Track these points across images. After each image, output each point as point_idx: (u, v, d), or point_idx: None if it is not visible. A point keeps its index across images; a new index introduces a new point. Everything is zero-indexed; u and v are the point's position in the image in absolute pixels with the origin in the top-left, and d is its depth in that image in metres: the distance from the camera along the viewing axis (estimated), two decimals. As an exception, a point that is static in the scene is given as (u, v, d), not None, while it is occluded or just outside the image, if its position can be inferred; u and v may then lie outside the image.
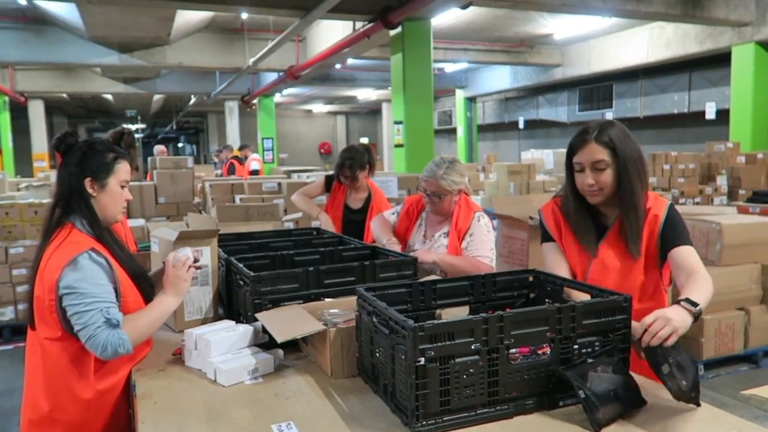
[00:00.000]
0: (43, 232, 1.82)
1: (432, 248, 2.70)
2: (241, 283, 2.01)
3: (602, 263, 1.89)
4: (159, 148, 9.00)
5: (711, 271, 4.26)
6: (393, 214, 2.94)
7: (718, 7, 9.23)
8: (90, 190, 1.81)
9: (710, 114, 11.49)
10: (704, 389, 3.89)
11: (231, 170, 11.10)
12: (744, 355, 4.32)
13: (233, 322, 1.92)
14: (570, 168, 1.90)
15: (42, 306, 1.71)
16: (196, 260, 1.93)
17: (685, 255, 1.78)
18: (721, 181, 9.01)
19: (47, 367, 1.73)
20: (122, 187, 1.88)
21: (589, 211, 1.92)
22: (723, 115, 11.11)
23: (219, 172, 11.95)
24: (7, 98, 15.11)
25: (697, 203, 8.65)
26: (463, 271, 2.47)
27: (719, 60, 11.38)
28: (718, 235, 4.19)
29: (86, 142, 1.88)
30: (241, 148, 12.40)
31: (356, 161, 3.77)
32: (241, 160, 11.55)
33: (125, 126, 3.53)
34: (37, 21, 10.85)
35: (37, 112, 16.51)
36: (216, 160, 13.50)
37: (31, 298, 1.76)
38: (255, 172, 11.16)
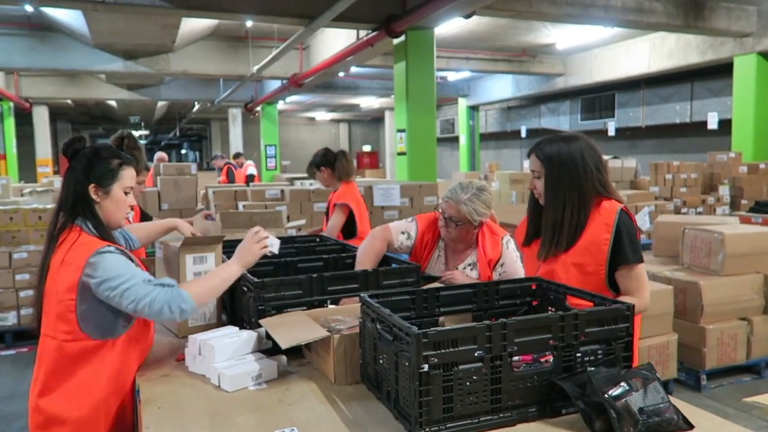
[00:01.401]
0: (48, 236, 1.82)
1: None
2: (245, 289, 2.02)
3: (532, 258, 2.12)
4: (159, 155, 9.03)
5: (713, 280, 4.28)
6: (403, 233, 2.52)
7: (719, 18, 9.28)
8: (94, 196, 1.82)
9: (712, 124, 11.51)
10: (707, 399, 3.91)
11: (231, 177, 11.17)
12: (746, 365, 4.31)
13: (237, 328, 1.93)
14: None
15: (58, 307, 1.71)
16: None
17: (622, 277, 1.95)
18: (723, 191, 9.01)
19: (57, 368, 1.73)
20: (126, 193, 1.89)
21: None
22: (725, 125, 11.13)
23: (221, 178, 12.02)
24: (12, 104, 15.18)
25: (700, 213, 8.65)
26: None
27: (721, 70, 11.42)
28: (720, 245, 4.20)
29: (92, 148, 1.89)
30: (235, 156, 12.48)
31: (312, 162, 4.33)
32: (235, 167, 11.71)
33: (124, 130, 3.53)
34: (43, 28, 10.93)
35: (41, 118, 16.59)
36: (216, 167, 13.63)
37: (41, 302, 1.76)
38: (251, 177, 11.26)
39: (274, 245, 1.95)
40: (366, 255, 2.37)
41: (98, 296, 1.70)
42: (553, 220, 1.99)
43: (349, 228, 4.30)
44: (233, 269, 1.86)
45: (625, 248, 1.92)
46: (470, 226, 2.39)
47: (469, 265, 2.48)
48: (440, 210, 2.44)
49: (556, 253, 1.99)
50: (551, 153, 1.98)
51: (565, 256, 1.97)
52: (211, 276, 1.86)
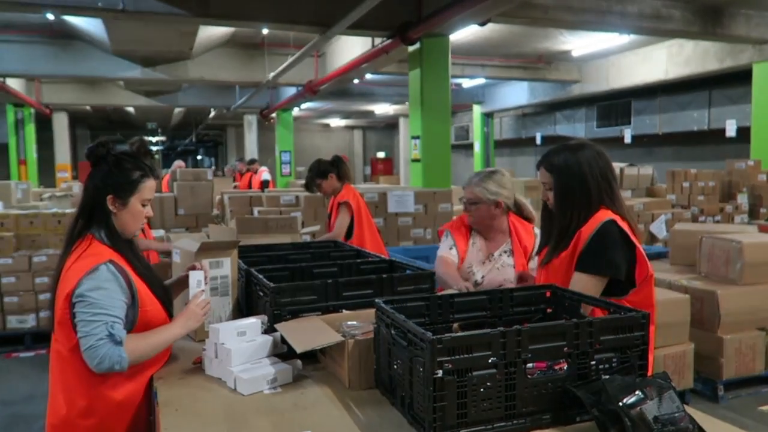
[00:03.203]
0: (65, 242, 1.86)
1: (495, 268, 2.64)
2: (261, 293, 2.04)
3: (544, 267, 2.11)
4: (177, 163, 9.16)
5: (731, 290, 4.24)
6: (450, 249, 2.74)
7: (738, 25, 9.18)
8: (111, 207, 1.83)
9: (730, 132, 11.37)
10: (724, 410, 3.86)
11: (250, 184, 11.30)
12: (765, 376, 4.25)
13: (254, 319, 1.93)
14: None
15: (59, 314, 1.74)
16: (205, 277, 2.00)
17: (572, 284, 1.93)
18: (742, 200, 8.89)
19: (67, 373, 1.76)
20: (144, 205, 1.89)
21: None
22: (743, 132, 10.99)
23: (239, 183, 12.14)
24: (32, 110, 15.45)
25: (718, 221, 8.54)
26: None
27: (740, 77, 11.29)
28: (738, 253, 4.15)
29: (115, 157, 1.87)
30: (250, 163, 12.60)
31: (316, 173, 4.38)
32: (242, 174, 11.93)
33: (138, 138, 3.63)
34: (64, 36, 11.12)
35: (61, 123, 16.86)
36: (229, 172, 13.81)
37: (53, 306, 1.80)
38: (265, 183, 11.34)
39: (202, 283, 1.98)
40: (449, 273, 2.57)
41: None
42: (560, 228, 2.01)
43: (347, 229, 4.37)
44: (176, 333, 1.83)
45: (591, 254, 1.91)
46: (488, 207, 2.60)
47: (505, 252, 2.66)
48: (463, 201, 2.69)
49: (551, 260, 2.02)
50: (558, 163, 2.01)
51: (553, 262, 2.02)
52: (154, 336, 1.79)
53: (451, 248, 2.73)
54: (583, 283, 1.91)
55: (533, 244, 2.62)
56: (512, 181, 2.70)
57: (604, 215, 1.95)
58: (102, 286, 1.71)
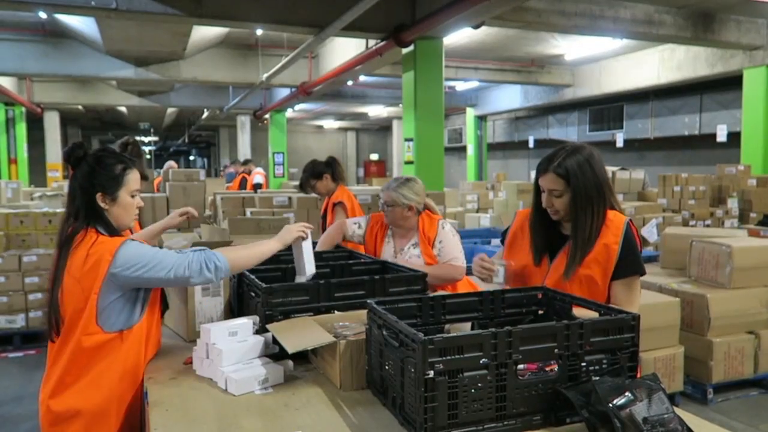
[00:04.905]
0: (60, 242, 1.82)
1: (404, 259, 2.91)
2: (253, 294, 2.04)
3: (555, 274, 2.00)
4: (169, 164, 9.13)
5: (721, 293, 4.27)
6: (355, 223, 3.11)
7: (729, 31, 9.27)
8: (102, 204, 1.84)
9: (721, 136, 11.46)
10: (713, 413, 3.88)
11: (243, 185, 11.23)
12: (754, 379, 4.28)
13: (245, 319, 1.92)
14: (537, 185, 2.05)
15: (79, 304, 1.72)
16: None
17: (618, 286, 1.94)
18: (732, 204, 8.96)
19: (74, 365, 1.75)
20: (132, 196, 1.92)
21: (553, 222, 2.05)
22: (734, 137, 11.08)
23: (231, 185, 12.09)
24: (24, 109, 15.34)
25: (708, 226, 8.60)
26: (439, 277, 2.80)
27: (731, 83, 11.39)
28: (728, 257, 4.18)
29: (95, 155, 1.88)
30: (244, 163, 12.55)
31: (311, 174, 4.42)
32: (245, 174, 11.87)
33: (130, 137, 3.62)
34: (56, 34, 11.06)
35: (52, 123, 16.74)
36: (224, 172, 13.75)
37: (56, 303, 1.75)
38: (258, 185, 11.30)
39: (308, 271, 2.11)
40: (322, 242, 2.99)
41: (127, 283, 1.75)
42: (583, 236, 1.93)
43: None
44: (271, 245, 1.98)
45: (632, 259, 1.94)
46: (402, 209, 2.89)
47: (413, 245, 2.95)
48: (380, 202, 2.98)
49: (577, 271, 1.94)
50: (574, 168, 1.92)
51: (579, 273, 1.94)
52: (247, 246, 1.94)
53: (358, 225, 3.08)
54: (633, 287, 1.96)
55: (435, 235, 2.90)
56: (424, 188, 2.99)
57: (617, 217, 1.97)
58: (146, 249, 1.78)
